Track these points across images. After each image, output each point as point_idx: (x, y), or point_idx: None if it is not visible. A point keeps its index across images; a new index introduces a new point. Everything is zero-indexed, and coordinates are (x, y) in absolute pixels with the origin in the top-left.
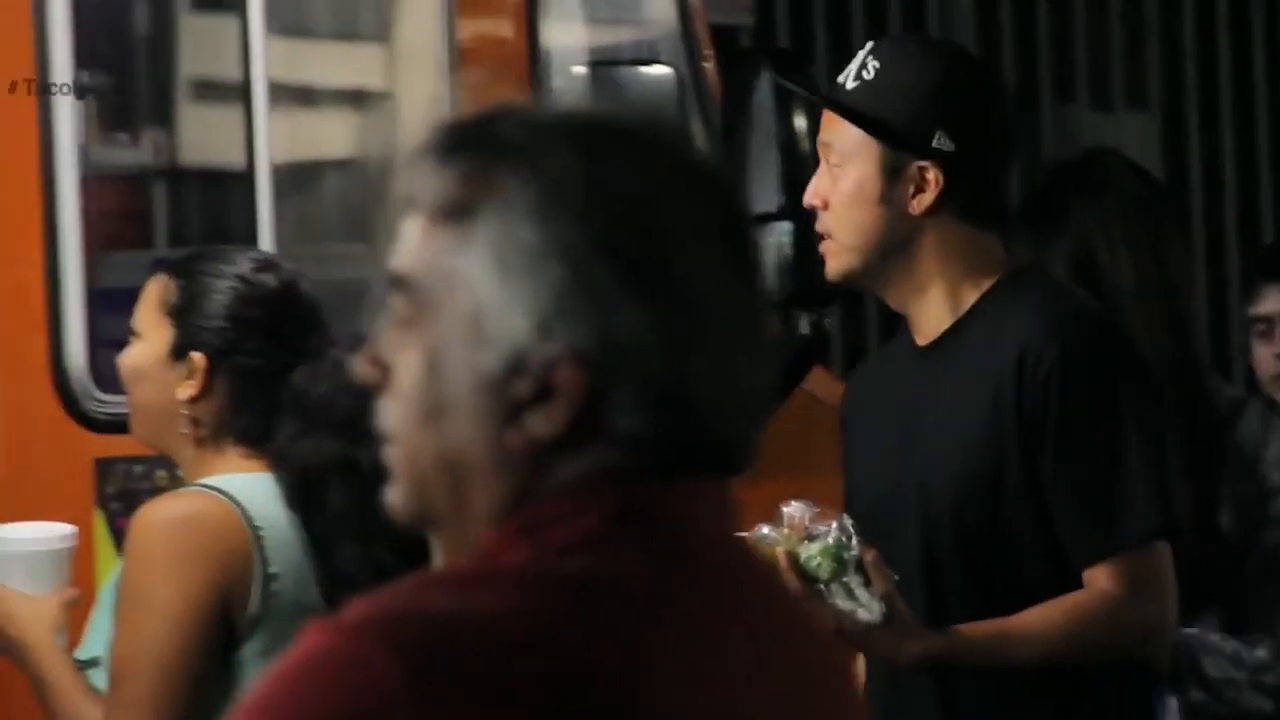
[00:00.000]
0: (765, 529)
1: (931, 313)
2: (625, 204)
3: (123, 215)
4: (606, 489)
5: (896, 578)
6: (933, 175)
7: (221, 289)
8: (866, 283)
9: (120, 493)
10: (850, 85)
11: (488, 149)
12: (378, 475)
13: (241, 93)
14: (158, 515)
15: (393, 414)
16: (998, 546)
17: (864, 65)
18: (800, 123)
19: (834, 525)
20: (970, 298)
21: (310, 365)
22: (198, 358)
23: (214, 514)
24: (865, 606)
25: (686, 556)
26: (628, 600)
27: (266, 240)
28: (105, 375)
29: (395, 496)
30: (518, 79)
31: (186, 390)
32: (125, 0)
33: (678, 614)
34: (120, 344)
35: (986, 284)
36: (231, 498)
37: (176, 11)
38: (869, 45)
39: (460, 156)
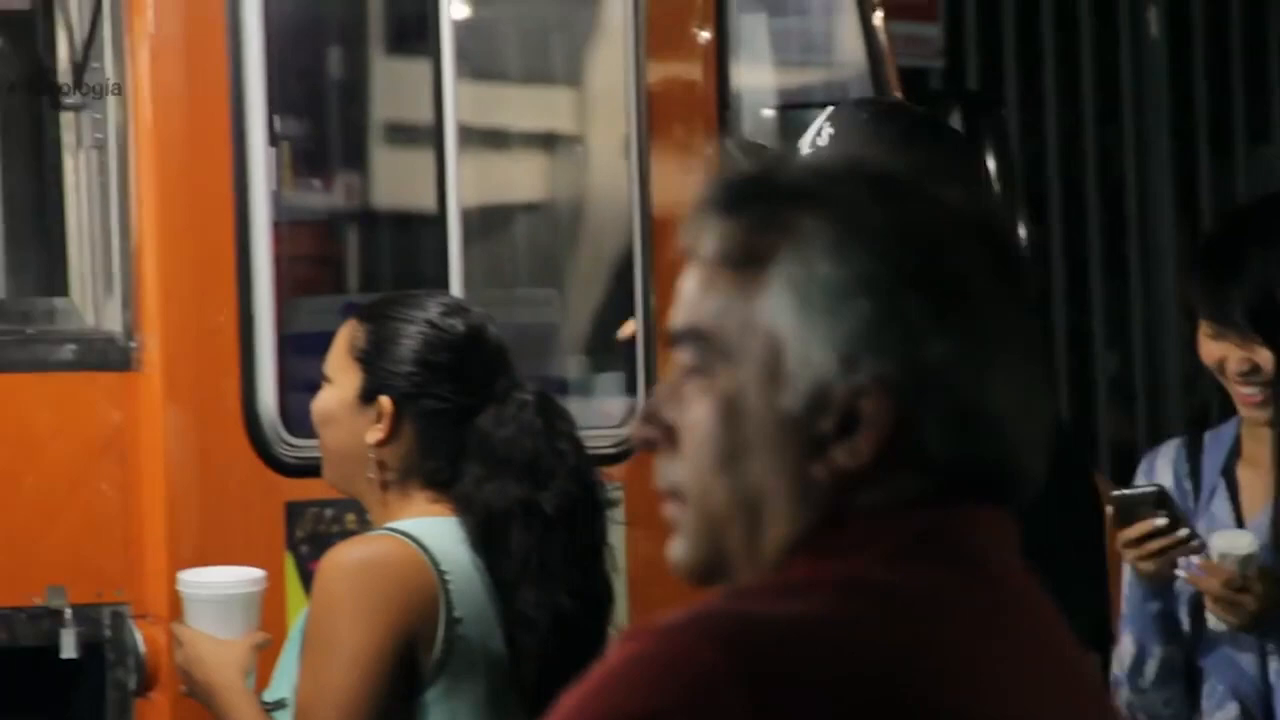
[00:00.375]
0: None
1: None
2: (921, 240)
3: (314, 260)
4: (907, 512)
5: None
6: None
7: (410, 334)
8: None
9: (310, 536)
10: (805, 153)
11: (777, 196)
12: (559, 519)
13: (433, 137)
14: (344, 558)
15: (680, 468)
16: None
17: (819, 132)
18: (992, 165)
19: None
20: None
21: (496, 409)
22: (385, 402)
23: (400, 558)
24: None
25: (983, 578)
26: (933, 613)
27: (456, 284)
28: (296, 419)
29: (681, 550)
30: (706, 121)
31: (374, 434)
32: (318, 46)
33: (975, 630)
34: (310, 388)
35: None
36: (418, 541)
37: (369, 57)
38: (826, 111)
39: (748, 206)
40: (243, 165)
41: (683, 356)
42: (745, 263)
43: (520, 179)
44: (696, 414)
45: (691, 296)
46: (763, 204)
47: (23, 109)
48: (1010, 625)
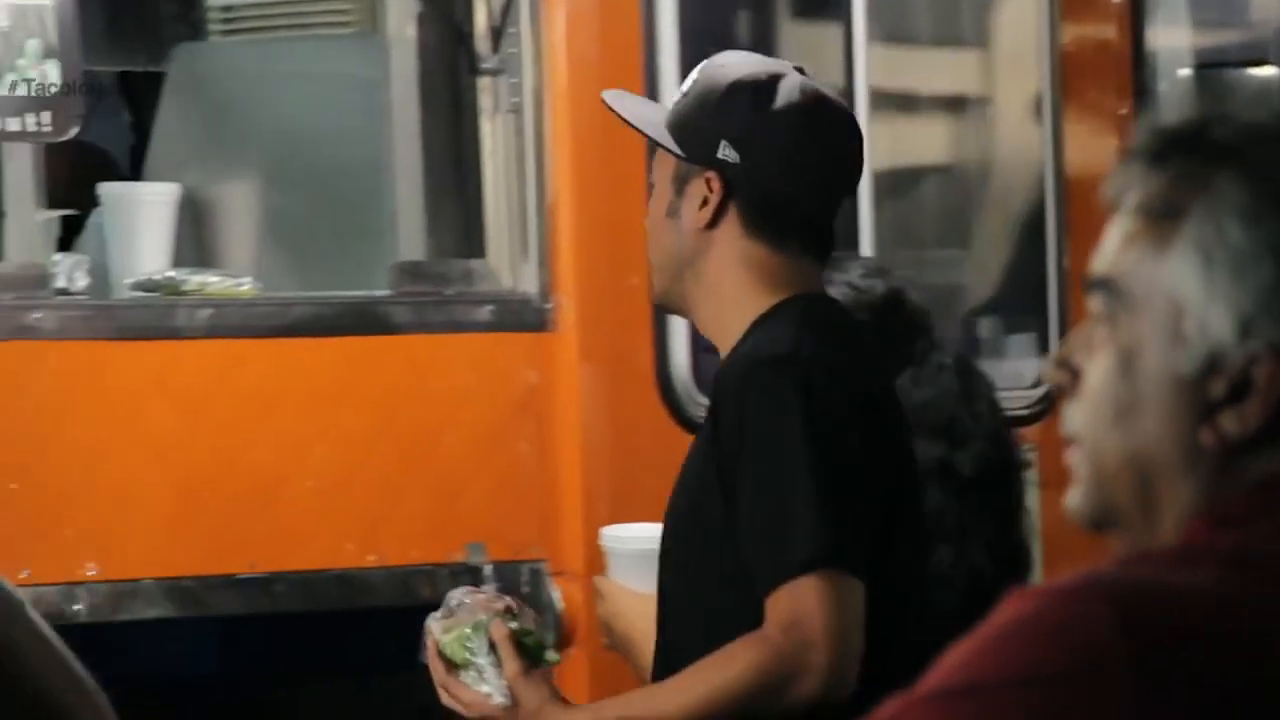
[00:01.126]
0: (434, 616)
1: (722, 335)
2: None
3: None
4: None
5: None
6: (716, 185)
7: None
8: (676, 305)
9: None
10: (677, 98)
11: (1201, 151)
12: (975, 480)
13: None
14: None
15: (1080, 415)
16: (705, 584)
17: (689, 78)
18: None
19: (477, 610)
20: (748, 322)
21: (914, 371)
22: None
23: None
24: (496, 690)
25: None
26: None
27: (866, 245)
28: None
29: (1075, 498)
30: (1121, 82)
31: None
32: (730, 9)
33: None
34: None
35: (767, 307)
36: None
37: (779, 21)
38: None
39: (1172, 159)
40: None
41: (1094, 305)
42: (1162, 217)
43: (930, 141)
44: (1098, 364)
45: (1110, 246)
46: (1187, 158)
47: (442, 74)
48: None
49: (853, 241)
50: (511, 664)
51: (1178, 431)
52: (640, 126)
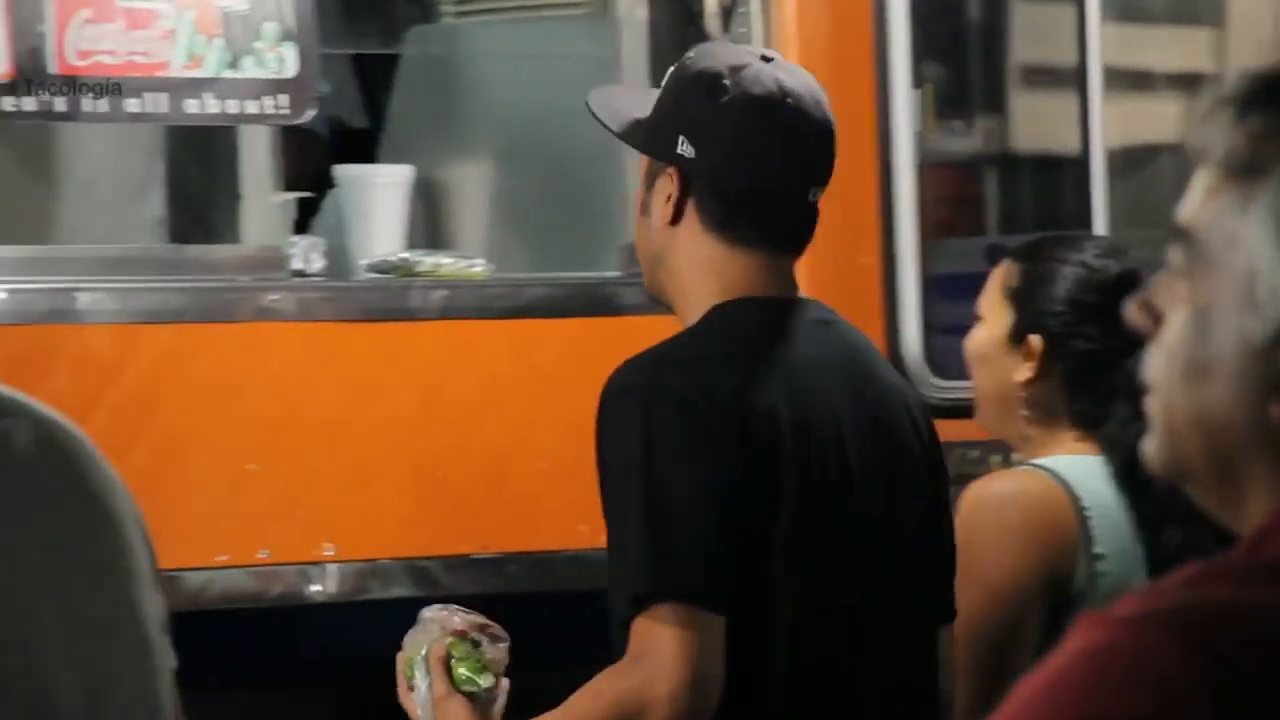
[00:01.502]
0: (410, 634)
1: None
2: None
3: (957, 202)
4: None
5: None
6: (676, 181)
7: (1063, 274)
8: (660, 299)
9: (956, 476)
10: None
11: None
12: None
13: (1075, 78)
14: (985, 491)
15: (1156, 364)
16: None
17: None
18: None
19: (433, 630)
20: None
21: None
22: (1035, 341)
23: (1039, 492)
24: (426, 714)
25: None
26: None
27: (1099, 225)
28: (940, 361)
29: (1150, 447)
30: None
31: (1023, 373)
32: None
33: None
34: (953, 330)
35: (710, 309)
36: (1059, 477)
37: (1011, 0)
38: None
39: (1259, 111)
40: (886, 107)
41: (1175, 255)
42: (1241, 173)
43: (1164, 120)
44: (1176, 317)
45: (1195, 197)
46: (1271, 112)
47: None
48: None
49: (1086, 221)
50: (437, 686)
51: (1247, 402)
52: (611, 124)
